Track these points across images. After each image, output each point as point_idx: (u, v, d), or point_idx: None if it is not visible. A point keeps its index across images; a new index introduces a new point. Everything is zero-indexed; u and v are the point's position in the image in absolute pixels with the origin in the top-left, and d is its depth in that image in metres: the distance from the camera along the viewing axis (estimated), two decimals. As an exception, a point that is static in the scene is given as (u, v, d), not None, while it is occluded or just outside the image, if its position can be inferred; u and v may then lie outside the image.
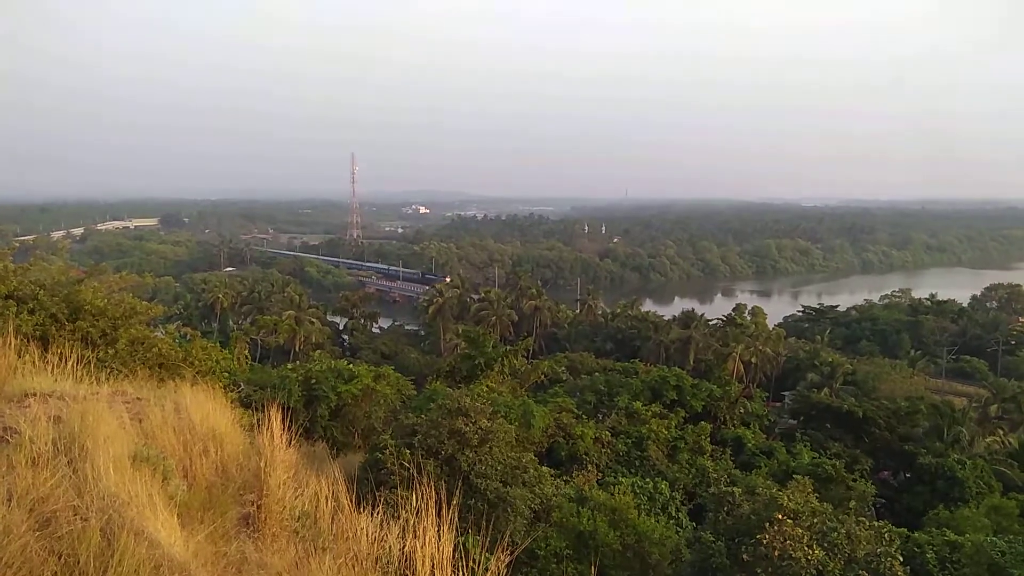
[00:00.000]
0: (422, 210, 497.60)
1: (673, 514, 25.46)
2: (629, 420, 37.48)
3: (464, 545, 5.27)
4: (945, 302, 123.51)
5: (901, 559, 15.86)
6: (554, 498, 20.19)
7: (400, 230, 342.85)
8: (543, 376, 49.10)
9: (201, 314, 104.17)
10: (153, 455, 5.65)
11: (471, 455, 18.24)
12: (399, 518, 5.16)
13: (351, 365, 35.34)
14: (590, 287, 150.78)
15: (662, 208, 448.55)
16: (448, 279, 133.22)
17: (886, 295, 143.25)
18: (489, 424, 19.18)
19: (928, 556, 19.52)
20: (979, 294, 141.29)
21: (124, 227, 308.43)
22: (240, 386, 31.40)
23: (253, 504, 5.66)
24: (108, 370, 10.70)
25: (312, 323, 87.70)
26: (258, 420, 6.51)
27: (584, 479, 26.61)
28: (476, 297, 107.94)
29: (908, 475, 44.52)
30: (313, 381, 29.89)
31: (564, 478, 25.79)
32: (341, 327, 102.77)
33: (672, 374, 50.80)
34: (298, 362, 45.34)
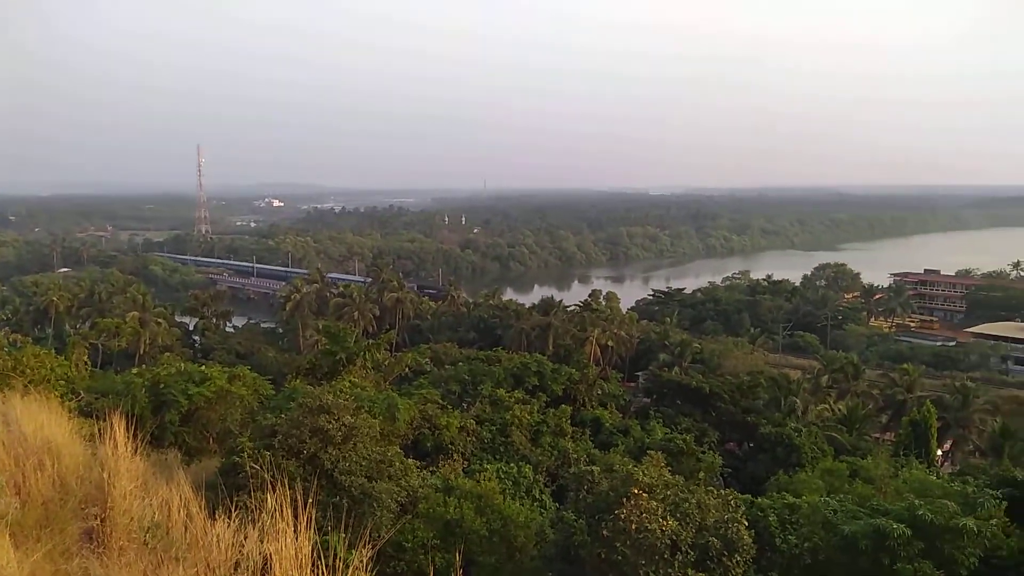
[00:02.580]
0: (276, 203, 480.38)
1: (537, 496, 26.10)
2: (493, 407, 37.99)
3: (326, 543, 5.24)
4: (780, 282, 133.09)
5: (746, 523, 17.00)
6: (420, 489, 20.24)
7: (253, 224, 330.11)
8: (407, 368, 48.86)
9: (33, 319, 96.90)
10: (-21, 474, 5.25)
11: (334, 452, 17.97)
12: (257, 522, 5.07)
13: (203, 367, 33.81)
14: (452, 278, 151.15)
15: (520, 199, 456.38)
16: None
17: (728, 277, 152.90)
18: (353, 420, 18.93)
19: (770, 519, 20.94)
20: (810, 273, 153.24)
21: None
22: (79, 394, 29.31)
23: (96, 518, 5.38)
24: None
25: (159, 324, 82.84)
26: (100, 429, 6.18)
27: (450, 468, 26.77)
28: (335, 291, 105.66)
29: (751, 445, 47.58)
30: (161, 385, 28.37)
31: (431, 469, 25.88)
32: (191, 327, 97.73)
33: (533, 360, 51.97)
34: (144, 366, 42.86)
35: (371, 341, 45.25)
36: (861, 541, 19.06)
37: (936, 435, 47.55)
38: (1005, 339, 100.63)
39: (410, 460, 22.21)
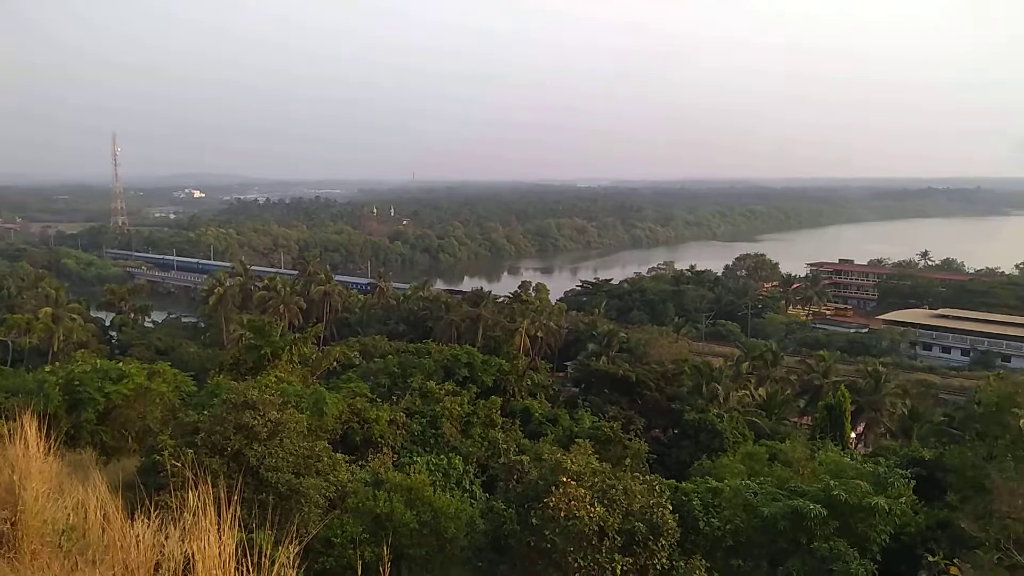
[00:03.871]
0: (196, 194, 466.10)
1: (467, 487, 26.12)
2: (423, 400, 37.82)
3: (249, 541, 5.18)
4: (703, 272, 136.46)
5: (671, 508, 17.44)
6: (349, 484, 20.07)
7: (172, 216, 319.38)
8: (335, 362, 48.18)
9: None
10: None
11: (260, 449, 17.69)
12: (179, 521, 4.97)
13: (120, 363, 32.74)
14: (381, 270, 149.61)
15: (449, 190, 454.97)
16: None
17: (653, 268, 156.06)
18: (279, 415, 18.66)
19: (694, 503, 21.44)
20: (731, 264, 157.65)
21: None
22: (-14, 395, 28.00)
23: (7, 522, 5.18)
24: None
25: (73, 320, 79.54)
26: (10, 430, 5.95)
27: (380, 462, 26.55)
28: (260, 285, 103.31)
29: (676, 431, 48.71)
30: (76, 383, 27.31)
31: (360, 463, 25.62)
32: (108, 323, 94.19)
33: (463, 352, 51.97)
34: (58, 364, 41.13)
35: (297, 335, 44.53)
36: (780, 522, 19.80)
37: (850, 418, 49.49)
38: (914, 325, 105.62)
39: (339, 455, 22.00)
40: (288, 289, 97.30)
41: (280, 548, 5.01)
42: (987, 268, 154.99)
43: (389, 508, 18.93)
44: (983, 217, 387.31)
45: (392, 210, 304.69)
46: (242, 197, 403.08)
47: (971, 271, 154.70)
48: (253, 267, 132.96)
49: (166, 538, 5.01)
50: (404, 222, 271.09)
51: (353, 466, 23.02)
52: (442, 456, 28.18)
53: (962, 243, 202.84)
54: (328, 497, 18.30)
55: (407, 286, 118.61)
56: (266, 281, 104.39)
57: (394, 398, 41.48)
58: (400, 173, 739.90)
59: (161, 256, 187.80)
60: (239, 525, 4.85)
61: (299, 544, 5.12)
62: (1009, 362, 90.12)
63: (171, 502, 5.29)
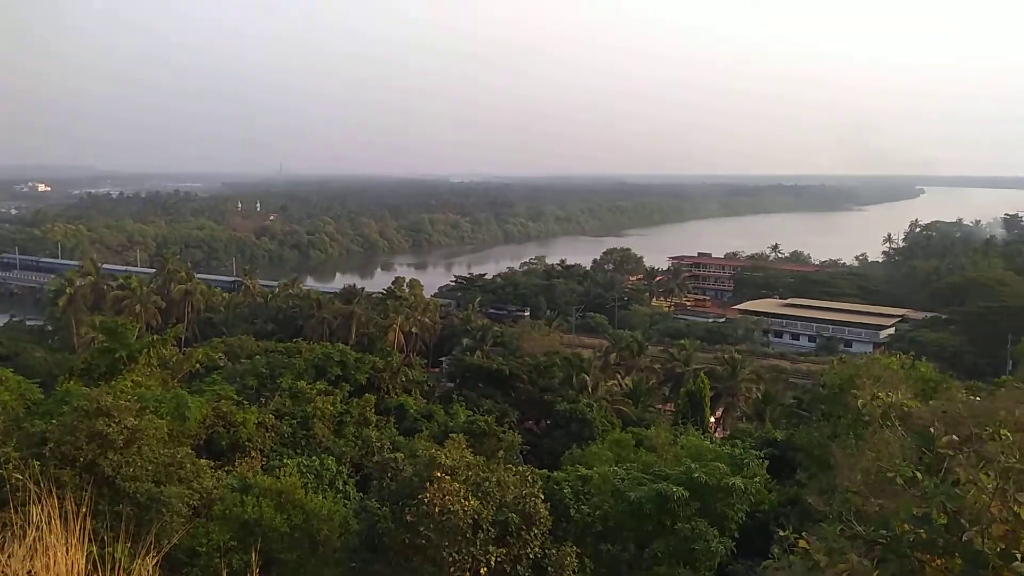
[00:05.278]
0: (41, 188, 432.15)
1: (341, 488, 25.68)
2: (294, 400, 36.83)
3: (103, 555, 4.96)
4: (573, 266, 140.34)
5: (543, 497, 17.85)
6: (215, 490, 19.34)
7: (14, 211, 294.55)
8: (198, 364, 45.98)
9: None
10: None
11: (116, 458, 16.79)
12: (24, 539, 4.69)
13: (-46, 373, 30.09)
14: (247, 267, 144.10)
15: (319, 184, 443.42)
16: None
17: (525, 262, 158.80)
18: (136, 422, 17.75)
19: (565, 491, 22.00)
20: (599, 258, 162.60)
21: None
22: None
23: None
24: None
25: None
26: None
27: (248, 466, 25.71)
28: (114, 284, 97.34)
29: (548, 422, 49.66)
30: (-99, 396, 24.85)
31: (227, 468, 24.72)
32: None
33: (336, 350, 50.92)
34: None
35: (156, 336, 42.21)
36: (646, 505, 20.66)
37: (709, 404, 52.18)
38: (766, 314, 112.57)
39: (203, 461, 21.14)
40: (145, 288, 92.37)
41: (137, 560, 4.83)
42: (830, 260, 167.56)
43: (258, 513, 18.39)
44: (826, 212, 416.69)
45: (258, 204, 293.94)
46: (93, 191, 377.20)
47: (816, 262, 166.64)
48: (106, 265, 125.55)
49: (8, 557, 4.72)
50: (271, 217, 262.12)
51: (219, 472, 22.20)
52: (314, 457, 27.57)
53: (808, 236, 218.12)
54: (192, 505, 17.57)
55: (275, 284, 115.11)
56: (120, 280, 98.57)
57: (262, 400, 40.15)
58: (265, 166, 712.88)
59: (1, 255, 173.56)
60: (91, 539, 4.63)
61: (158, 555, 4.96)
62: (851, 347, 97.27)
63: (14, 518, 4.99)
